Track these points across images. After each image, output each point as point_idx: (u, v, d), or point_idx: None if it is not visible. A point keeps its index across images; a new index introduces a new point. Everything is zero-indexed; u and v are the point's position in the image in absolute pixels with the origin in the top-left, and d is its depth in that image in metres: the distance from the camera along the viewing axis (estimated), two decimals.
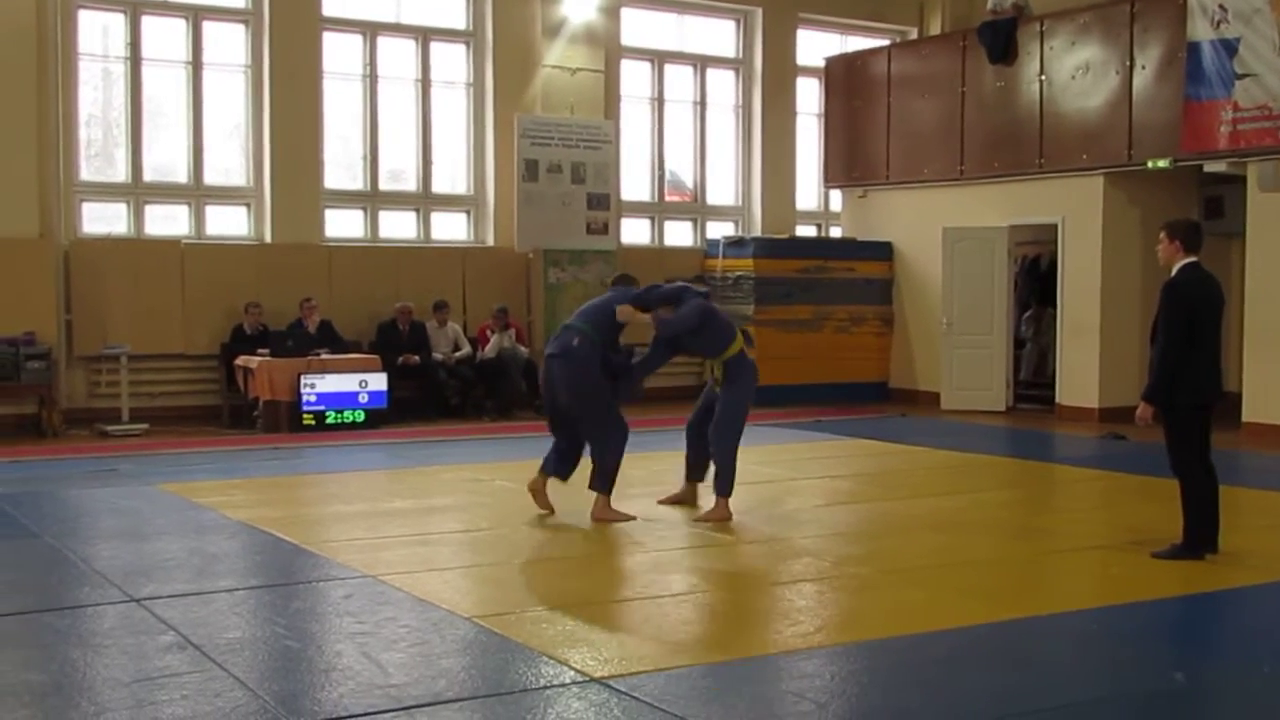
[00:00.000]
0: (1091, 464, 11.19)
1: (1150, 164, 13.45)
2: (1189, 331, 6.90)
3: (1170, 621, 6.09)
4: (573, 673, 4.96)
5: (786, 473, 10.41)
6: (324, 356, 12.93)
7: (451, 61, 15.34)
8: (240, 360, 12.95)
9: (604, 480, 8.12)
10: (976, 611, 6.01)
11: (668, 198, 17.07)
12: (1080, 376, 14.33)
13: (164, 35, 13.77)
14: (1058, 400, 14.65)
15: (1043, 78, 14.46)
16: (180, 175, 13.96)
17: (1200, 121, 12.78)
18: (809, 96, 17.71)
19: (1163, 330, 6.96)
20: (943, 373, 15.50)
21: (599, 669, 5.00)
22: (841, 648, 5.42)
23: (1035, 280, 16.55)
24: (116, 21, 13.59)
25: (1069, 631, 5.75)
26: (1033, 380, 16.30)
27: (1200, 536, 7.01)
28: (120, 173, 13.70)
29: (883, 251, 16.46)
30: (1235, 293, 12.71)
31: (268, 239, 14.05)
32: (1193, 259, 7.05)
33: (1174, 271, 7.06)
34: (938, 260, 15.48)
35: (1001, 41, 14.78)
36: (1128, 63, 13.63)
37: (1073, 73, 14.18)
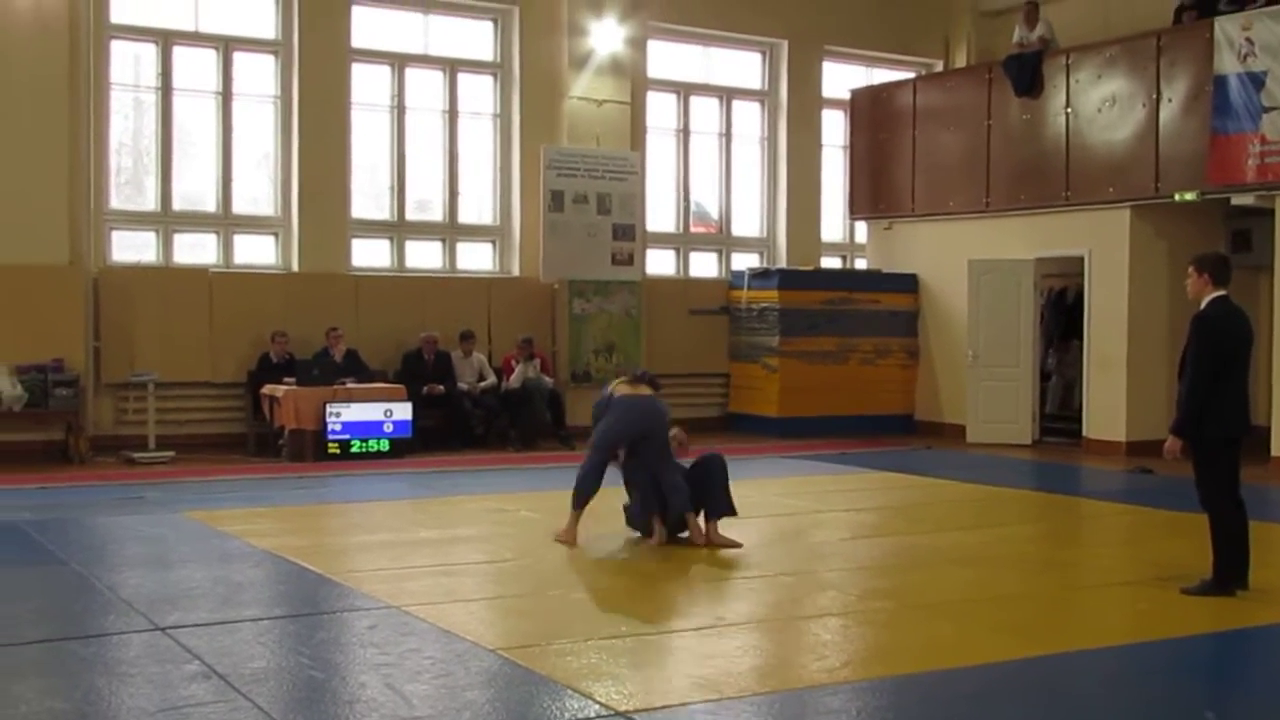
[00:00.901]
0: (1119, 498, 11.11)
1: (1177, 197, 13.40)
2: (1217, 365, 6.86)
3: (1201, 658, 6.03)
4: (597, 706, 4.94)
5: (811, 505, 10.38)
6: (349, 385, 12.96)
7: (478, 93, 15.43)
8: (266, 389, 13.00)
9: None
10: (1004, 647, 5.96)
11: (693, 229, 17.08)
12: (1107, 410, 14.24)
13: (195, 65, 13.91)
14: (1085, 434, 14.55)
15: (1069, 110, 14.44)
16: (209, 204, 14.06)
17: (1227, 154, 12.74)
18: (834, 128, 17.74)
19: (1191, 363, 6.92)
20: (968, 405, 15.42)
21: (623, 703, 4.98)
22: (868, 683, 5.37)
23: (1061, 313, 16.47)
24: (148, 52, 13.75)
25: (1099, 668, 5.69)
26: (1059, 413, 16.20)
27: (1230, 572, 6.94)
28: (150, 201, 13.81)
29: (908, 283, 16.42)
30: (1264, 326, 12.61)
31: (295, 268, 14.14)
32: (1222, 292, 7.02)
33: (1203, 305, 7.02)
34: (963, 292, 15.43)
35: (1027, 74, 14.78)
36: (1154, 95, 13.60)
37: (1099, 105, 14.16)
